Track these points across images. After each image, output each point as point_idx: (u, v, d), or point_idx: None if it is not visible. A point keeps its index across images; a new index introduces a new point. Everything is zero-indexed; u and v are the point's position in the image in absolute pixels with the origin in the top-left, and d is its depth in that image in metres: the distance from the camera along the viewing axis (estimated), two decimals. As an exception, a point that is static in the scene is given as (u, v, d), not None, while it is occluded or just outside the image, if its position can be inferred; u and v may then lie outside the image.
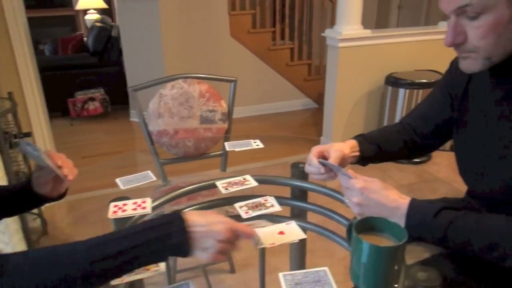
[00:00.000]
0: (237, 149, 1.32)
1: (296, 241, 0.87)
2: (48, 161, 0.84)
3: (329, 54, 3.11)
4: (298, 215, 1.21)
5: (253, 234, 0.74)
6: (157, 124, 1.73)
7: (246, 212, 0.98)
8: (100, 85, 4.31)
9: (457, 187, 1.01)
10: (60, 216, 2.52)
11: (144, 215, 0.97)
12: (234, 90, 1.82)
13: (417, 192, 2.61)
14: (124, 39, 3.89)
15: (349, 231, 0.77)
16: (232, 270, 1.97)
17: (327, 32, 3.05)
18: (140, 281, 0.89)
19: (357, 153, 1.00)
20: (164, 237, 0.65)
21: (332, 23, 3.82)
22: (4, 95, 2.10)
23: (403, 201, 0.78)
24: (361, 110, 3.24)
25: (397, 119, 2.76)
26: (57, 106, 4.04)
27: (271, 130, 3.99)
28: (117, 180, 1.12)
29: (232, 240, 0.69)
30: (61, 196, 0.96)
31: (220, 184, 1.10)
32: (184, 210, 0.97)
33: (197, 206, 1.19)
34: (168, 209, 1.23)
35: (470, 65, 0.80)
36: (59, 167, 0.87)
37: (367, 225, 0.73)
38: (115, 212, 0.94)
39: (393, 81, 3.00)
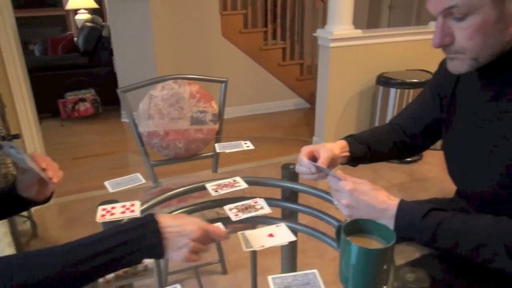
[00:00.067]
0: (227, 151, 1.32)
1: (285, 244, 0.87)
2: (32, 164, 0.82)
3: (321, 54, 3.11)
4: (289, 216, 1.21)
5: (225, 235, 0.75)
6: (147, 125, 1.72)
7: (236, 215, 0.97)
8: (91, 85, 4.27)
9: (448, 186, 1.02)
10: (50, 219, 2.49)
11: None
12: (225, 91, 1.82)
13: (408, 191, 2.62)
14: (115, 39, 3.87)
15: (338, 233, 0.77)
16: (224, 271, 1.96)
17: (319, 32, 3.05)
18: (130, 285, 0.88)
19: (347, 154, 1.00)
20: (138, 239, 0.65)
21: (324, 23, 3.82)
22: (-8, 97, 2.07)
23: (392, 203, 0.78)
24: (353, 109, 3.25)
25: (389, 118, 2.77)
26: (47, 107, 4.01)
27: (263, 130, 3.99)
28: (106, 183, 1.11)
29: (204, 240, 0.71)
30: (47, 200, 0.95)
31: (210, 186, 1.10)
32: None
33: (187, 209, 1.18)
34: (158, 211, 1.22)
35: (457, 66, 0.81)
36: (44, 170, 0.86)
37: (356, 227, 0.74)
38: (103, 215, 0.93)
39: (384, 81, 3.01)
